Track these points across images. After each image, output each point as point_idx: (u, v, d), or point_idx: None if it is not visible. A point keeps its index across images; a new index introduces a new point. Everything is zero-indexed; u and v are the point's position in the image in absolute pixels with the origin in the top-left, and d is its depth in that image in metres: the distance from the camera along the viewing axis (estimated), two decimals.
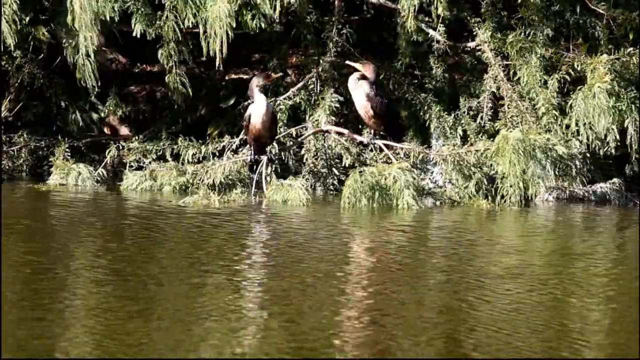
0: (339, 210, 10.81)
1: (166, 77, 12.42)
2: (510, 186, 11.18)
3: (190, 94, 12.44)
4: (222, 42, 11.87)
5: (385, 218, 10.46)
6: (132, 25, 12.16)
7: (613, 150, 11.74)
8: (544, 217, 11.05)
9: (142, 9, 12.17)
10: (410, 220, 10.41)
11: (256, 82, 11.50)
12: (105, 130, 13.58)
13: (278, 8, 12.09)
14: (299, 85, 12.71)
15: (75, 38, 12.14)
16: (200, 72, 13.77)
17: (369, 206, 10.83)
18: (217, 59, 11.94)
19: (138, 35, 12.21)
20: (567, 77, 12.13)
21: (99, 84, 12.29)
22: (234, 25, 11.90)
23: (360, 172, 11.05)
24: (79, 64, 12.19)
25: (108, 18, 12.04)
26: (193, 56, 12.54)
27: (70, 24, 12.09)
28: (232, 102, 13.26)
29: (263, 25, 12.18)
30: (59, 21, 12.44)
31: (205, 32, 11.98)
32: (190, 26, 12.20)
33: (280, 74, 12.33)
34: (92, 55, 12.13)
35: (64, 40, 12.32)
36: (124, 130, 13.55)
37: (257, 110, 11.50)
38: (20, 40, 12.56)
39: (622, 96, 11.76)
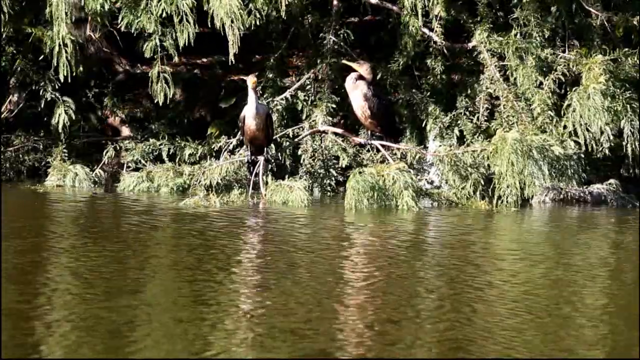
0: (341, 211, 10.80)
1: (149, 72, 12.39)
2: (508, 187, 11.21)
3: (171, 91, 12.33)
4: (234, 36, 11.83)
5: (388, 219, 10.44)
6: (119, 19, 12.12)
7: (607, 151, 11.81)
8: (543, 219, 11.08)
9: (129, 2, 12.14)
10: (416, 221, 10.41)
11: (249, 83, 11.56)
12: (107, 131, 13.55)
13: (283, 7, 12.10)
14: (296, 85, 12.72)
15: (53, 28, 12.17)
16: (200, 73, 13.76)
17: (369, 207, 10.84)
18: (231, 54, 11.90)
19: (122, 29, 12.18)
20: (562, 77, 12.20)
21: (74, 74, 12.24)
22: (246, 18, 11.91)
23: (360, 172, 11.05)
24: (55, 52, 12.20)
25: (92, 8, 12.00)
26: (193, 56, 12.52)
27: (47, 16, 12.15)
28: (232, 102, 13.25)
29: (259, 22, 12.16)
30: (43, 13, 12.48)
31: (181, 21, 11.98)
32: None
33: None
34: (70, 45, 12.15)
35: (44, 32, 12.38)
36: (125, 131, 13.51)
37: (249, 111, 11.50)
38: (12, 33, 12.58)
39: (617, 97, 11.82)
